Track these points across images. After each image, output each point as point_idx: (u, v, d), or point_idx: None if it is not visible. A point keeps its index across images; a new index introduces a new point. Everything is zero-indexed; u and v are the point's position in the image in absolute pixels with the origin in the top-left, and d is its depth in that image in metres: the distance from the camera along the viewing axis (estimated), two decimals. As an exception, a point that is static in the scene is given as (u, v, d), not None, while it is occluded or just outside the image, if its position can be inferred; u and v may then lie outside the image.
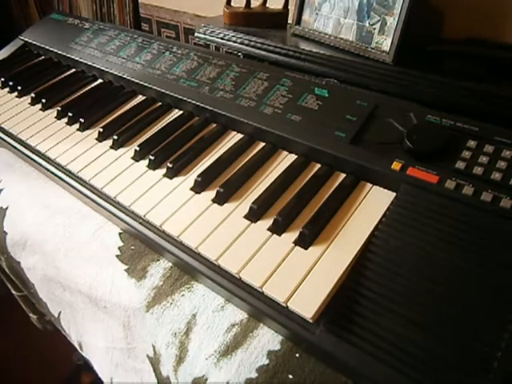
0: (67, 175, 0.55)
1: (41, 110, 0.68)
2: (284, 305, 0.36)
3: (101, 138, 0.59)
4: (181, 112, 0.62)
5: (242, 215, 0.44)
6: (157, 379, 0.41)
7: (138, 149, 0.54)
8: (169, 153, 0.54)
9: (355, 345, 0.32)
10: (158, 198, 0.48)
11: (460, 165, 0.42)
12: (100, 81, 0.74)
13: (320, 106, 0.52)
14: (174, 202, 0.47)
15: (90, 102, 0.67)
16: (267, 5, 0.76)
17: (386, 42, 0.56)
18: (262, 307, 0.37)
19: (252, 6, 0.75)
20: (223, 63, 0.63)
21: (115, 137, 0.57)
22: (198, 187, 0.48)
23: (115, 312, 0.45)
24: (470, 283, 0.34)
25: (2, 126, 0.66)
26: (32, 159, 0.60)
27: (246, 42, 0.67)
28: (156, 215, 0.46)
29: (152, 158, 0.53)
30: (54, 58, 0.83)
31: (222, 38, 0.71)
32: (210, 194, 0.47)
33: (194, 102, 0.59)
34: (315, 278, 0.37)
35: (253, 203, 0.44)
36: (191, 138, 0.57)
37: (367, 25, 0.58)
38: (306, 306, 0.35)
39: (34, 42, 0.85)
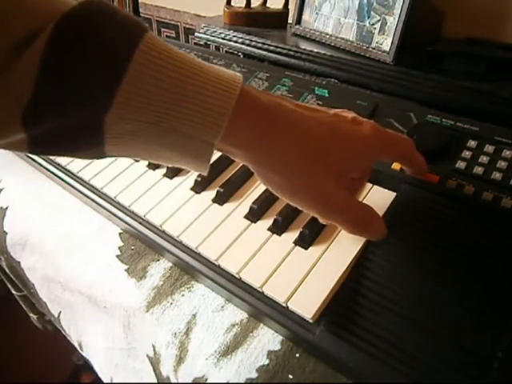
0: (67, 175, 0.55)
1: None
2: (284, 305, 0.36)
3: (101, 137, 0.59)
4: (181, 112, 0.62)
5: (242, 215, 0.44)
6: (157, 379, 0.41)
7: (137, 149, 0.54)
8: (169, 153, 0.54)
9: (355, 345, 0.32)
10: (158, 198, 0.48)
11: (460, 165, 0.42)
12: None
13: (320, 106, 0.51)
14: (174, 202, 0.47)
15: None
16: (267, 5, 0.76)
17: (386, 42, 0.56)
18: (262, 307, 0.37)
19: (252, 5, 0.75)
20: (223, 63, 0.62)
21: (115, 137, 0.57)
22: (198, 187, 0.48)
23: (115, 312, 0.45)
24: (470, 283, 0.34)
25: (2, 125, 0.66)
26: (32, 159, 0.60)
27: (246, 41, 0.67)
28: (156, 215, 0.46)
29: (152, 157, 0.52)
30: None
31: (222, 38, 0.71)
32: (210, 193, 0.47)
33: (194, 101, 0.59)
34: (315, 277, 0.37)
35: (253, 203, 0.44)
36: (191, 138, 0.56)
37: (367, 24, 0.58)
38: (306, 306, 0.35)
39: (34, 42, 0.85)
